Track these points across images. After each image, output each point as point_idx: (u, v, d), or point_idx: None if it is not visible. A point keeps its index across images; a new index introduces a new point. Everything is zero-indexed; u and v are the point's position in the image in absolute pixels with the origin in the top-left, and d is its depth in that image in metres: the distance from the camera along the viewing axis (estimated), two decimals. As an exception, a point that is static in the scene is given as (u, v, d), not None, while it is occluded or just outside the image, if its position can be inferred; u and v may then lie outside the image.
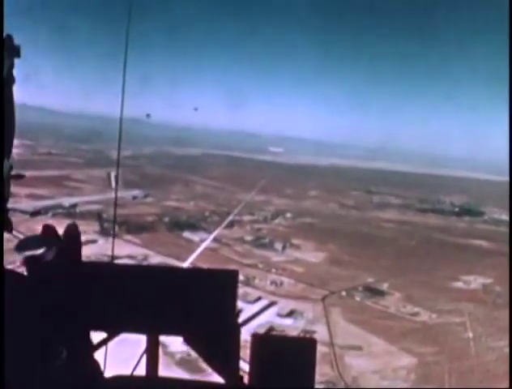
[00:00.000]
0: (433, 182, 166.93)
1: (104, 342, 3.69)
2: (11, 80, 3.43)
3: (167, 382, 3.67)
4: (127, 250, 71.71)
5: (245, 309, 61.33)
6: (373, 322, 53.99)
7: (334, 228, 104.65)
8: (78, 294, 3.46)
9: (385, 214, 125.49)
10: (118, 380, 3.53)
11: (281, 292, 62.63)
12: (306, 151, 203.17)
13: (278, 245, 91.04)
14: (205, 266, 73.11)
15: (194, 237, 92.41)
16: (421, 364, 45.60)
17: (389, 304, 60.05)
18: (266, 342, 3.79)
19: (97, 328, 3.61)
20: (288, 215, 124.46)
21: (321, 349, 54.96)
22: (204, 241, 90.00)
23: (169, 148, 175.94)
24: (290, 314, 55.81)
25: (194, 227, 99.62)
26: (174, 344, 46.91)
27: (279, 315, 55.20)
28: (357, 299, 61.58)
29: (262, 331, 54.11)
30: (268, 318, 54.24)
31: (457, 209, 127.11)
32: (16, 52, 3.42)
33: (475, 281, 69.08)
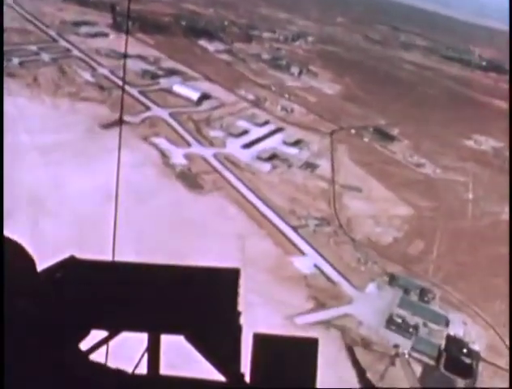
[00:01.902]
0: (465, 30, 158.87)
1: (105, 340, 3.48)
2: None
3: (168, 380, 3.57)
4: (138, 50, 68.67)
5: (252, 131, 60.50)
6: (377, 167, 53.49)
7: (355, 61, 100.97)
8: (80, 293, 3.42)
9: (408, 55, 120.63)
10: (119, 376, 3.33)
11: (290, 119, 61.34)
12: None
13: (294, 69, 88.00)
14: (217, 79, 71.25)
15: (210, 46, 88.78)
16: (417, 216, 45.83)
17: (396, 150, 59.21)
18: (267, 341, 3.67)
19: (98, 327, 3.42)
20: (310, 38, 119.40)
21: (320, 184, 55.14)
22: (219, 52, 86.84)
23: None
24: (296, 143, 54.97)
25: (210, 35, 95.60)
26: (176, 157, 46.67)
27: (285, 143, 54.38)
28: (365, 140, 60.59)
29: (265, 156, 53.87)
30: (273, 144, 53.49)
31: (484, 63, 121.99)
32: None
33: (487, 142, 67.90)
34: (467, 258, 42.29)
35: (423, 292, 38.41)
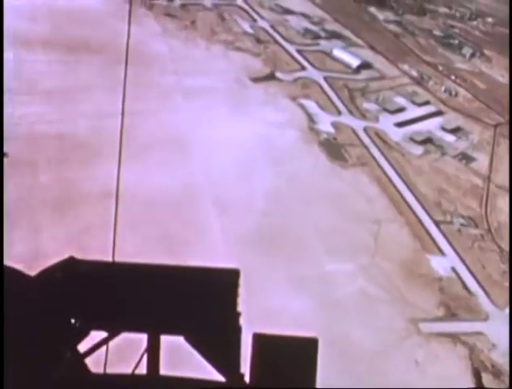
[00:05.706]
0: None
1: (104, 341, 3.67)
2: None
3: (168, 380, 3.57)
4: (303, 7, 66.37)
5: (409, 110, 56.43)
6: (544, 171, 47.54)
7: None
8: (80, 293, 3.46)
9: None
10: (120, 378, 3.47)
11: (453, 103, 56.41)
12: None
13: (466, 51, 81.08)
14: (381, 49, 67.22)
15: (379, 14, 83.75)
16: None
17: None
18: (266, 341, 3.54)
19: (98, 327, 3.59)
20: (489, 20, 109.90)
21: (473, 180, 50.19)
22: (388, 22, 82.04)
23: None
24: (455, 130, 50.46)
25: (382, 3, 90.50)
26: (323, 124, 44.27)
27: (443, 128, 50.08)
28: (534, 138, 54.17)
29: (419, 138, 49.83)
30: (430, 127, 49.48)
31: None
32: None
33: None
34: None
35: None
